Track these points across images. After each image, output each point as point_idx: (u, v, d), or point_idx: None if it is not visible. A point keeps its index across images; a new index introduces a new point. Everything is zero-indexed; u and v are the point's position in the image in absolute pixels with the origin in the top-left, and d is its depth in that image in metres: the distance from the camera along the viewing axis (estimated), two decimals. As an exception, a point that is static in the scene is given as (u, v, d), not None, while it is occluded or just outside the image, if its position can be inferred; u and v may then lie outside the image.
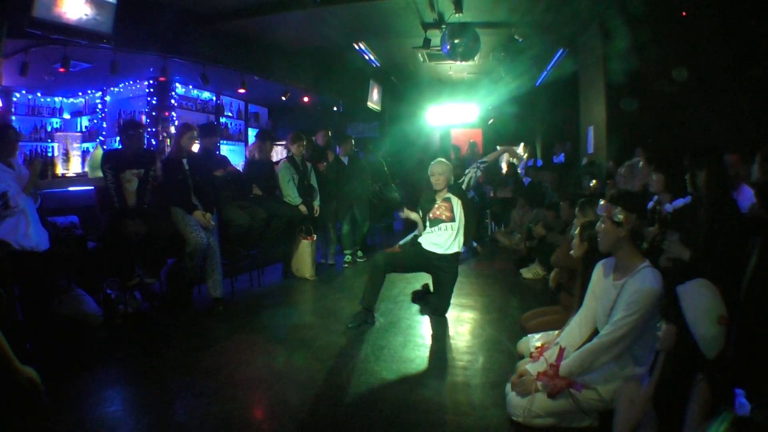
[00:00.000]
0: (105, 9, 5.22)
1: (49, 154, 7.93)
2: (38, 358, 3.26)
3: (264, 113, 11.36)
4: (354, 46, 8.67)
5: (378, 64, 9.96)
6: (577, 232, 3.38)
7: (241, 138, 10.26)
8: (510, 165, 10.69)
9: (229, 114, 10.02)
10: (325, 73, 9.52)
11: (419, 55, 9.14)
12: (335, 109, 11.27)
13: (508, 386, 2.84)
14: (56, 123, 8.26)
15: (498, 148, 5.08)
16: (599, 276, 2.78)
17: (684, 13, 6.01)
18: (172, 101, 8.07)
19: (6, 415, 2.77)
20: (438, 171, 4.72)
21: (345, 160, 7.17)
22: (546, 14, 6.91)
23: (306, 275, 6.21)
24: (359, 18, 7.20)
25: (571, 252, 3.44)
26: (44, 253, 3.95)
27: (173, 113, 8.04)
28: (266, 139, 6.36)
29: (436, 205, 4.72)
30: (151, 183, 4.72)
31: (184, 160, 4.88)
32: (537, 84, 11.39)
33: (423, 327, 4.48)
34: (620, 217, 2.54)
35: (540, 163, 10.96)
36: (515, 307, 5.11)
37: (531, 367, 2.77)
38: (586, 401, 2.58)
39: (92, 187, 5.43)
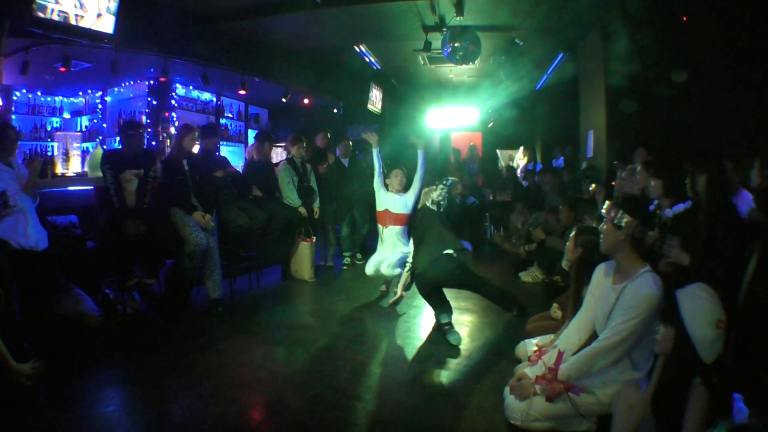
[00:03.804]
0: (108, 10, 5.23)
1: (49, 154, 7.92)
2: (36, 358, 3.24)
3: (264, 115, 11.37)
4: (355, 49, 8.68)
5: (378, 67, 9.97)
6: (572, 236, 3.38)
7: (241, 139, 10.26)
8: (509, 168, 10.70)
9: (230, 115, 10.02)
10: (325, 75, 9.53)
11: (420, 57, 9.15)
12: (335, 111, 11.28)
13: (507, 390, 2.84)
14: (56, 122, 8.25)
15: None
16: (599, 278, 2.78)
17: (684, 18, 6.01)
18: (173, 102, 8.07)
19: (3, 415, 2.77)
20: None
21: (345, 162, 7.17)
22: (547, 18, 6.92)
23: (305, 277, 6.20)
24: (360, 20, 7.21)
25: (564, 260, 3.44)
26: (43, 252, 3.95)
27: (173, 114, 8.04)
28: (264, 140, 6.37)
29: None
30: (150, 183, 4.72)
31: (184, 161, 4.88)
32: (537, 87, 11.41)
33: (421, 330, 4.48)
34: (621, 220, 2.54)
35: (539, 166, 10.95)
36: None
37: (530, 371, 2.77)
38: (585, 405, 2.58)
39: (92, 187, 5.43)
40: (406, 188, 5.32)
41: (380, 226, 5.37)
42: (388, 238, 5.25)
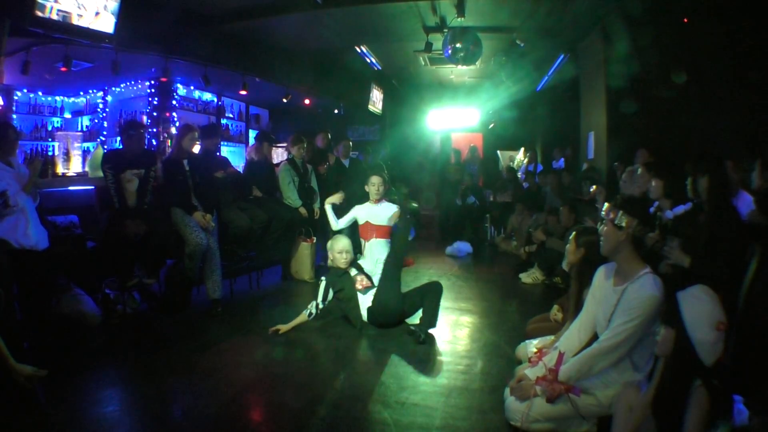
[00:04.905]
0: (107, 9, 5.23)
1: (50, 153, 7.91)
2: (36, 357, 3.25)
3: (265, 115, 11.37)
4: (355, 49, 8.67)
5: (379, 67, 9.97)
6: (572, 237, 3.38)
7: (241, 139, 10.27)
8: (509, 169, 10.70)
9: (230, 115, 10.02)
10: (326, 75, 9.53)
11: (421, 58, 9.15)
12: (336, 111, 11.30)
13: (507, 391, 2.83)
14: (57, 122, 8.25)
15: None
16: (600, 280, 2.78)
17: (686, 20, 6.02)
18: (174, 102, 8.07)
19: (4, 415, 2.77)
20: (343, 247, 4.65)
21: (345, 162, 7.17)
22: (547, 19, 6.92)
23: (305, 277, 6.20)
24: (361, 21, 7.21)
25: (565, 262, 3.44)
26: (43, 252, 3.95)
27: (174, 114, 8.03)
28: (263, 140, 6.38)
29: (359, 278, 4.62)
30: (151, 183, 4.73)
31: (185, 161, 4.88)
32: (538, 89, 11.40)
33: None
34: (622, 221, 2.54)
35: (540, 167, 10.96)
36: (514, 311, 5.11)
37: (530, 372, 2.76)
38: (585, 406, 2.57)
39: (92, 187, 5.43)
40: (386, 195, 5.32)
41: (363, 240, 5.32)
42: (369, 252, 5.21)
